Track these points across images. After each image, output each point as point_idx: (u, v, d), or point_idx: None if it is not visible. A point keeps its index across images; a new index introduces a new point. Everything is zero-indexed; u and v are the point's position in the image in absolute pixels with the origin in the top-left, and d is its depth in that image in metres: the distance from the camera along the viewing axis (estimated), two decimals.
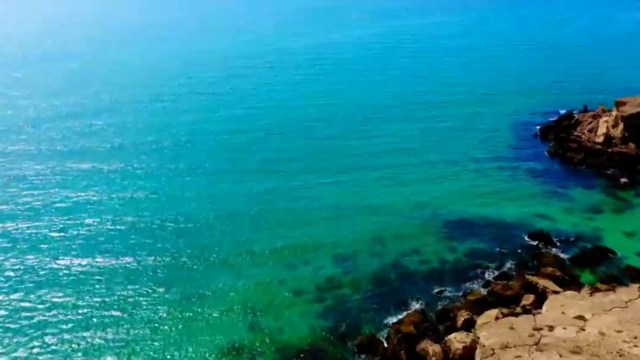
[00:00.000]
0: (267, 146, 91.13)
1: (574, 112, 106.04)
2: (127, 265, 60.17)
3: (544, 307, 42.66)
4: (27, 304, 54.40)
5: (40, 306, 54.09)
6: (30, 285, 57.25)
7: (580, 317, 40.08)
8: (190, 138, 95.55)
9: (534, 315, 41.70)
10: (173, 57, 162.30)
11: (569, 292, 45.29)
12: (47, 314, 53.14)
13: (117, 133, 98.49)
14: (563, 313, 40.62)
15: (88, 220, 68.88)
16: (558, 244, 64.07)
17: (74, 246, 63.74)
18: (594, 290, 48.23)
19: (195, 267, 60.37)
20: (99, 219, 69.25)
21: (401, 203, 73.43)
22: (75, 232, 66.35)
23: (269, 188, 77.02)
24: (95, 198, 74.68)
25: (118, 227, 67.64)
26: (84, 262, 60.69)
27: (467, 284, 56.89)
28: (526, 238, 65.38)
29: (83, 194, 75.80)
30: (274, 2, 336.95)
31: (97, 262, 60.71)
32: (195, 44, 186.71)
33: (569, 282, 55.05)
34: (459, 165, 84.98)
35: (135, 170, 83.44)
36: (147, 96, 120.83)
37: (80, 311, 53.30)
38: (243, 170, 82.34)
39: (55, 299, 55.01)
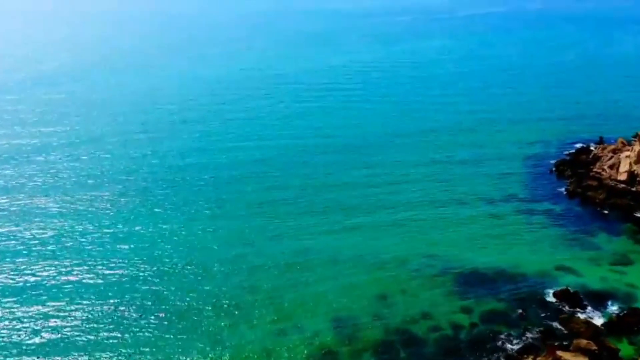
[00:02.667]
0: (258, 188, 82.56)
1: (590, 145, 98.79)
2: (87, 335, 51.73)
3: None
4: None
5: None
6: None
7: None
8: (175, 176, 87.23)
9: None
10: (166, 85, 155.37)
11: None
12: None
13: (95, 168, 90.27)
14: None
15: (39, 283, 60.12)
16: (588, 305, 56.05)
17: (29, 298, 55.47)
18: None
19: (169, 333, 52.18)
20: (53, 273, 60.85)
21: (408, 253, 65.54)
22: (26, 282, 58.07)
23: (260, 236, 69.04)
24: (57, 248, 66.11)
25: (76, 288, 58.93)
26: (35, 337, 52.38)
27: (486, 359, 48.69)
28: (551, 297, 57.38)
29: (42, 243, 67.37)
30: (269, 26, 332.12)
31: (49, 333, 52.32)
32: (190, 70, 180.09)
33: (607, 358, 46.99)
34: (471, 207, 77.14)
35: (108, 212, 74.86)
36: (136, 126, 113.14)
37: None
38: (231, 215, 74.13)
39: None
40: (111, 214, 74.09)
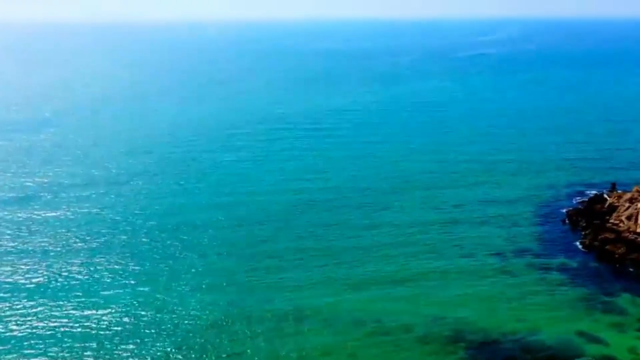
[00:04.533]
0: (246, 243, 75.46)
1: (603, 192, 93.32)
2: None
3: None
4: None
5: None
6: None
7: None
8: (160, 233, 79.78)
9: None
10: (161, 127, 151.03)
11: None
12: None
13: (74, 223, 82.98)
14: None
15: None
16: None
17: None
18: None
19: None
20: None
21: (413, 316, 59.22)
22: None
23: (251, 297, 62.64)
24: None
25: None
26: None
27: None
28: None
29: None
30: (269, 67, 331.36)
31: None
32: (186, 111, 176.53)
33: None
34: (481, 263, 70.97)
35: (82, 275, 67.70)
36: (123, 173, 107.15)
37: None
38: (220, 277, 67.22)
39: None
40: (86, 277, 66.82)
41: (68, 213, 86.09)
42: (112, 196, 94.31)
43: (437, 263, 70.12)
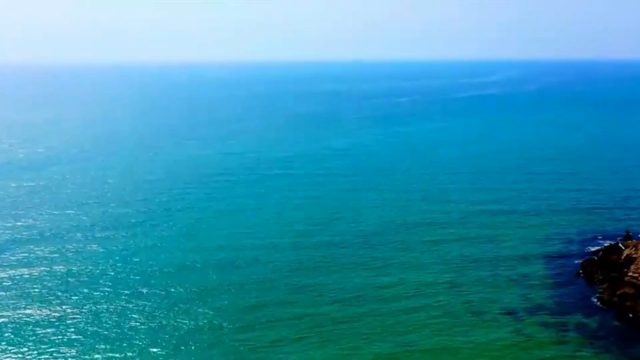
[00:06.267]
0: (236, 308, 68.07)
1: (619, 242, 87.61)
2: None
3: None
4: None
5: None
6: None
7: None
8: (140, 286, 73.84)
9: None
10: (153, 170, 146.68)
11: None
12: None
13: (49, 277, 77.15)
14: None
15: None
16: None
17: None
18: None
19: None
20: None
21: None
22: None
23: None
24: None
25: None
26: None
27: None
28: None
29: None
30: (268, 107, 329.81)
31: None
32: (179, 153, 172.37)
33: None
34: (492, 323, 64.46)
35: (52, 334, 62.19)
36: (109, 219, 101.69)
37: None
38: (205, 342, 60.85)
39: None
40: (59, 338, 60.81)
41: (42, 268, 79.54)
42: (94, 246, 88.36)
43: (443, 326, 63.19)
